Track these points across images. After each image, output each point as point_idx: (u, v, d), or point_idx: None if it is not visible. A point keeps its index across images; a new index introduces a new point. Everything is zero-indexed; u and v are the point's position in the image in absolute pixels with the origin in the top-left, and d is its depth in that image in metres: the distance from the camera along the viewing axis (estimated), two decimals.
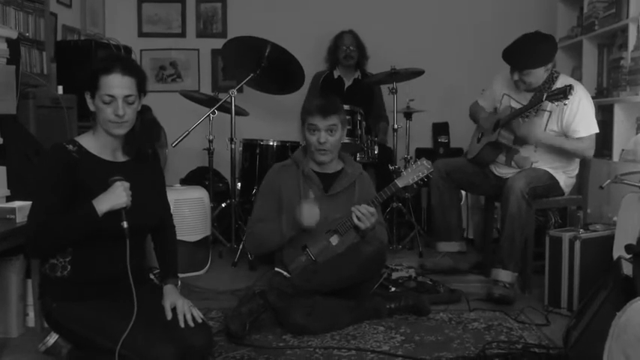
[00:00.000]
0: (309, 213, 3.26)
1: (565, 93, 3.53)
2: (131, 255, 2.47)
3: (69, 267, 2.49)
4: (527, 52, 3.76)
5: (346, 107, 4.54)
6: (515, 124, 3.77)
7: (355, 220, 3.29)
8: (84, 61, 4.38)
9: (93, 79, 2.46)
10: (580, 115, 3.73)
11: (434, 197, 4.19)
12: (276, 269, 3.34)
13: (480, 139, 4.07)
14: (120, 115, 2.45)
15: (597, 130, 3.80)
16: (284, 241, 3.33)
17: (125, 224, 2.40)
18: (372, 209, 3.31)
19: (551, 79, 3.81)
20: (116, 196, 2.40)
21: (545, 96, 3.62)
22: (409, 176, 3.44)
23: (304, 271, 3.29)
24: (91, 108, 2.51)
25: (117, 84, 2.45)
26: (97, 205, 2.38)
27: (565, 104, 3.66)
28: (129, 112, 2.48)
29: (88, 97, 2.50)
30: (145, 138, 2.65)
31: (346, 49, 5.42)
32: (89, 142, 2.54)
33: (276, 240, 3.34)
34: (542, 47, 3.79)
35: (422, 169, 3.44)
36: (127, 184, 2.43)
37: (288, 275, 3.29)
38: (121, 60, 2.58)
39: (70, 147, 2.50)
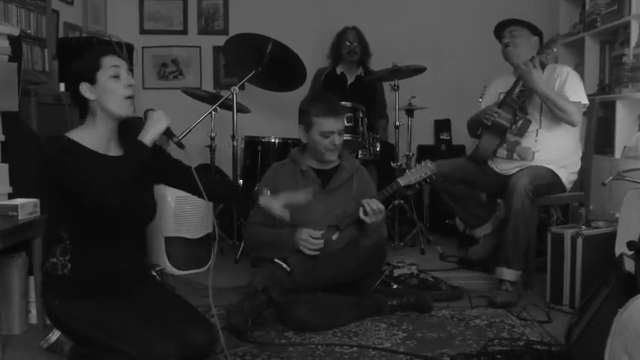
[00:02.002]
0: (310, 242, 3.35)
1: (553, 40, 3.83)
2: (132, 252, 2.48)
3: (69, 265, 2.48)
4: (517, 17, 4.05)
5: (348, 104, 4.56)
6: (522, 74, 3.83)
7: (362, 214, 3.30)
8: None
9: (92, 61, 2.46)
10: (569, 83, 3.81)
11: (445, 199, 4.21)
12: (276, 260, 3.34)
13: (480, 134, 4.06)
14: (132, 83, 2.49)
15: (586, 102, 3.82)
16: (278, 252, 3.36)
17: (176, 139, 2.52)
18: (382, 206, 3.32)
19: (541, 64, 3.85)
20: (156, 122, 2.47)
21: (535, 53, 3.79)
22: (412, 176, 3.46)
23: (304, 266, 3.29)
24: (91, 97, 2.46)
25: (119, 61, 2.49)
26: (143, 139, 2.44)
27: (555, 50, 3.88)
28: (134, 89, 2.52)
29: (84, 87, 2.46)
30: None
31: (350, 44, 5.41)
32: (80, 136, 2.52)
33: (271, 249, 3.38)
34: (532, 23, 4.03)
35: (425, 169, 3.46)
36: (160, 110, 2.50)
37: (287, 268, 3.29)
38: (112, 49, 2.64)
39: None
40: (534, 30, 3.97)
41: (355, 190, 3.51)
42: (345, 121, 4.23)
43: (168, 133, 2.50)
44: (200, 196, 2.56)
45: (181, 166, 2.74)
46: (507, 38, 3.96)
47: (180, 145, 2.55)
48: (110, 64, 2.46)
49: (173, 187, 2.89)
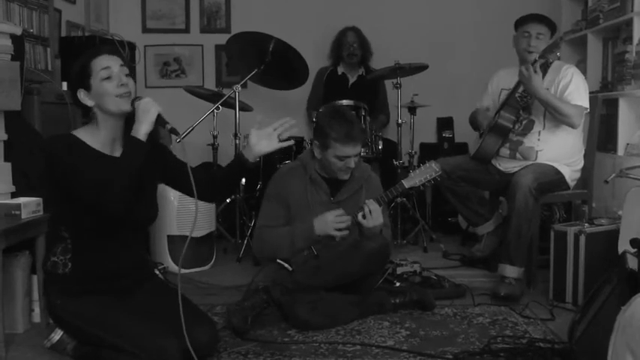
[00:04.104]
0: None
1: (557, 44, 3.76)
2: (134, 250, 2.47)
3: (70, 264, 2.49)
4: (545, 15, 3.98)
5: (350, 102, 4.56)
6: (522, 76, 3.78)
7: (360, 217, 3.28)
8: None
9: (83, 68, 2.47)
10: (573, 86, 3.79)
11: (447, 197, 4.21)
12: (278, 261, 3.32)
13: (483, 133, 4.07)
14: (124, 82, 2.46)
15: (587, 106, 3.81)
16: (294, 251, 3.31)
17: (169, 126, 2.45)
18: (378, 207, 3.30)
19: (546, 64, 3.85)
20: (146, 112, 2.43)
21: (537, 56, 3.73)
22: (416, 177, 3.42)
23: (307, 267, 3.28)
24: (90, 103, 2.49)
25: (110, 60, 2.48)
26: (137, 134, 2.41)
27: (558, 56, 3.82)
28: (130, 84, 2.49)
29: (82, 94, 2.49)
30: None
31: (350, 47, 5.41)
32: (86, 136, 2.53)
33: (286, 249, 3.31)
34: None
35: (430, 171, 3.41)
36: (147, 98, 2.46)
37: (290, 268, 3.28)
38: (105, 47, 2.63)
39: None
40: (554, 30, 3.95)
41: (364, 201, 3.38)
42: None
43: (159, 121, 2.46)
44: (191, 194, 2.51)
45: (180, 164, 2.72)
46: (533, 40, 3.86)
47: (174, 132, 2.49)
48: (100, 66, 2.45)
49: (172, 186, 2.86)
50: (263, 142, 2.73)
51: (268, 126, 2.78)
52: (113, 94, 2.45)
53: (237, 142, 4.64)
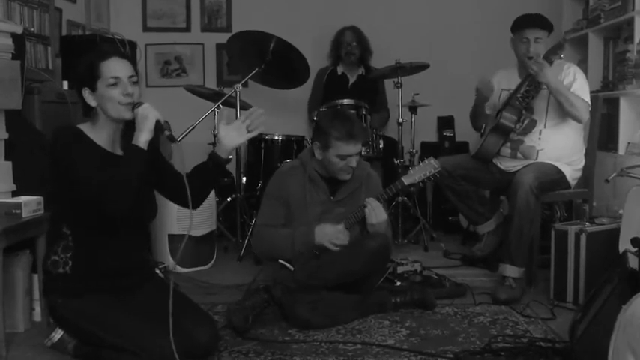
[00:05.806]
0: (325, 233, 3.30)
1: (560, 46, 3.74)
2: (134, 248, 2.46)
3: (70, 262, 2.49)
4: (540, 15, 3.95)
5: (351, 102, 4.55)
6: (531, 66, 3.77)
7: (367, 210, 3.28)
8: None
9: (92, 69, 2.46)
10: (577, 84, 3.79)
11: (448, 195, 4.21)
12: (280, 260, 3.32)
13: (484, 133, 4.06)
14: (130, 92, 2.46)
15: (590, 104, 3.81)
16: (294, 253, 3.31)
17: (167, 133, 2.44)
18: (379, 204, 3.30)
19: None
20: (144, 119, 2.42)
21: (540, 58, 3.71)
22: (416, 174, 3.44)
23: (308, 267, 3.28)
24: (93, 103, 2.50)
25: (119, 66, 2.48)
26: (137, 142, 2.41)
27: (561, 57, 3.80)
28: (136, 93, 2.49)
29: (86, 93, 2.49)
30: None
31: (347, 46, 5.40)
32: (89, 131, 2.54)
33: (286, 251, 3.31)
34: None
35: (429, 168, 3.44)
36: (145, 104, 2.45)
37: (291, 268, 3.28)
38: (114, 48, 2.61)
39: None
40: (551, 29, 3.93)
41: (364, 199, 3.39)
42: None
43: (158, 127, 2.46)
44: (185, 204, 2.49)
45: (172, 172, 2.72)
46: (532, 46, 3.83)
47: (172, 139, 2.48)
48: (110, 73, 2.45)
49: (161, 193, 2.80)
50: (232, 134, 2.72)
51: (236, 119, 2.79)
52: (117, 101, 2.46)
53: None
